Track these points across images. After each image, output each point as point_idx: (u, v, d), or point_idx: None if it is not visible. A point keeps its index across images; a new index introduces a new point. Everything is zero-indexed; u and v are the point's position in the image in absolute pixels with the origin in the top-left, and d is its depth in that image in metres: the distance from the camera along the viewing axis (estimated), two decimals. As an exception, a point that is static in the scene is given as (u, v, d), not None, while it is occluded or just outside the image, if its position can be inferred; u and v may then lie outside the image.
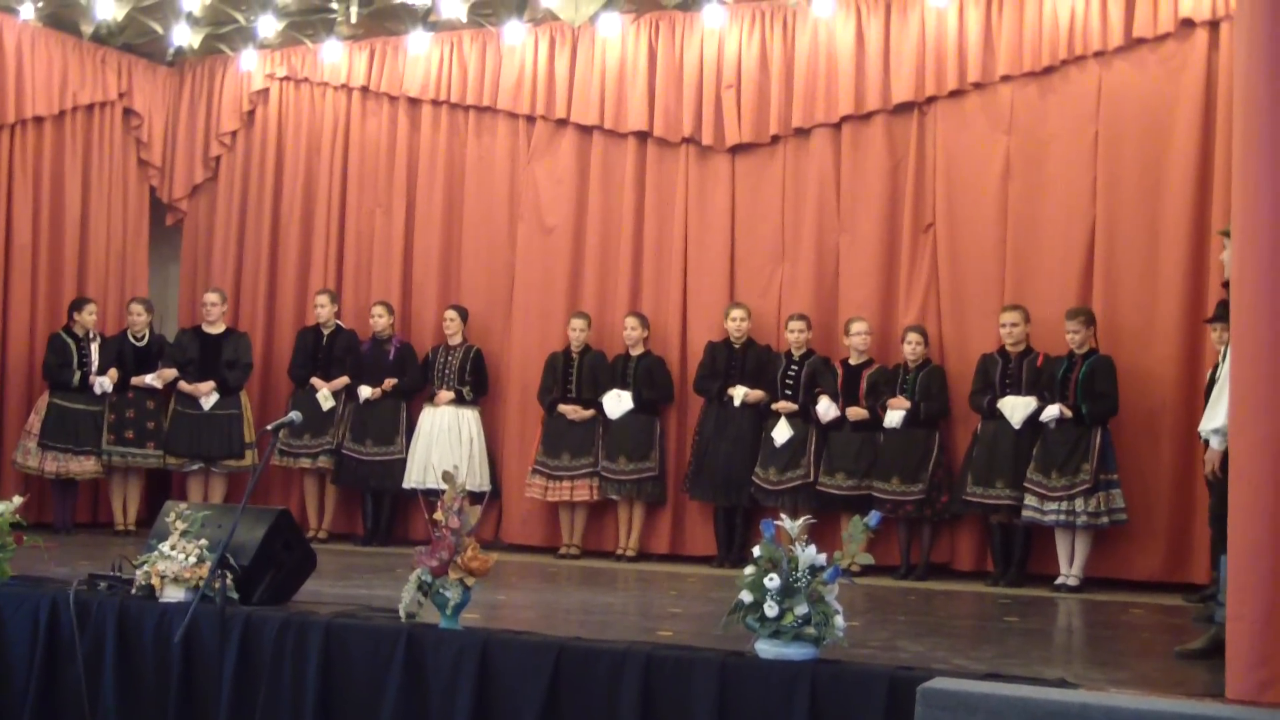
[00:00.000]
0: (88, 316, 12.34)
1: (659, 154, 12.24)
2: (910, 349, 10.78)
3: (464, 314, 12.45)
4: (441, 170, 13.06)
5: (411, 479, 12.08)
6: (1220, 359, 8.02)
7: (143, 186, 13.95)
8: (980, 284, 11.02)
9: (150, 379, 12.37)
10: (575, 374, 11.86)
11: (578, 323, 11.93)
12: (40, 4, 12.50)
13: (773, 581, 5.31)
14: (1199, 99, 10.39)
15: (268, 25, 12.79)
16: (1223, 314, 7.09)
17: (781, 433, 11.04)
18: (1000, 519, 10.33)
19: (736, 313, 11.45)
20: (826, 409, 10.92)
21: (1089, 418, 9.95)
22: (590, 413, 11.75)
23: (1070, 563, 10.03)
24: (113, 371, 12.23)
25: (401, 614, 6.19)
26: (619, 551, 11.66)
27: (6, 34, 12.52)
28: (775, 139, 11.82)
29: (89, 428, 12.17)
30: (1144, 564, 10.23)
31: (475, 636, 6.04)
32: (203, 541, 6.79)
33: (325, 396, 12.39)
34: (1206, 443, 7.07)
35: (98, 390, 12.19)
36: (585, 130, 12.50)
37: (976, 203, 11.09)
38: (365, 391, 12.31)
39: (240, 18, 13.03)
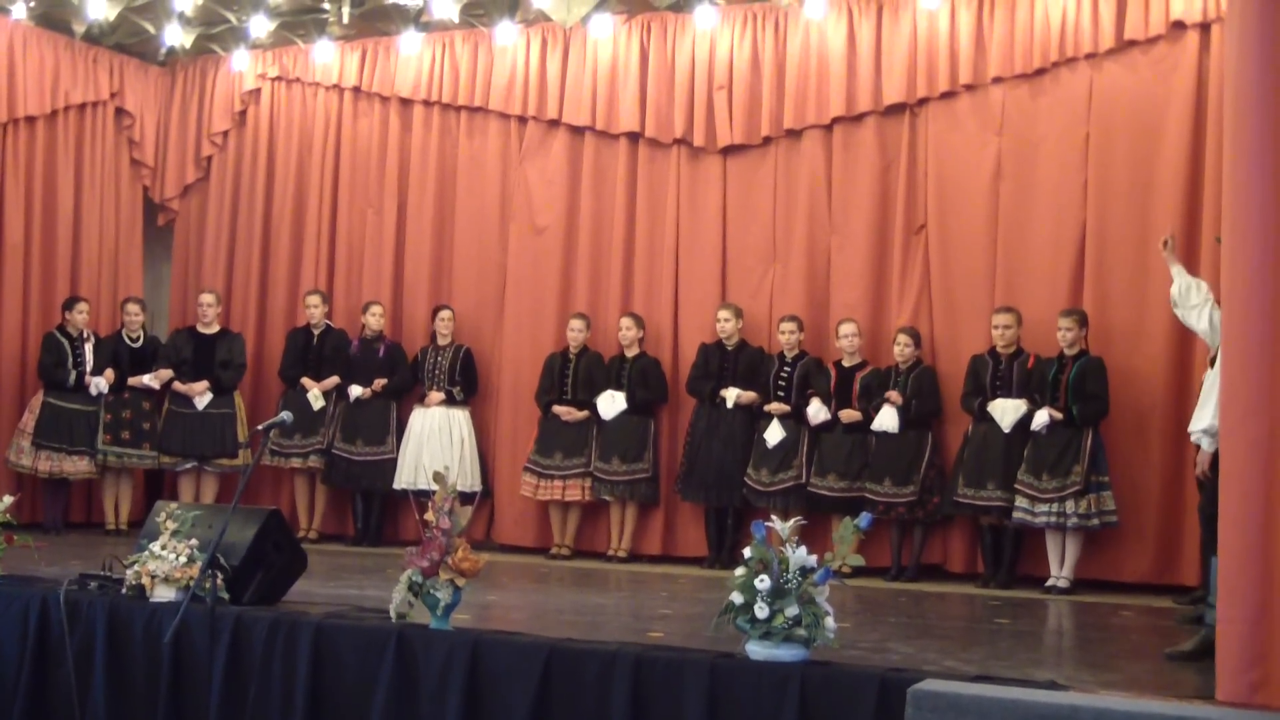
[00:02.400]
0: (79, 316, 12.32)
1: (651, 155, 12.24)
2: (899, 350, 10.80)
3: (452, 314, 12.46)
4: (433, 170, 13.05)
5: (402, 480, 12.07)
6: (1211, 358, 8.05)
7: (135, 186, 13.94)
8: (971, 285, 11.03)
9: (147, 379, 12.37)
10: (572, 375, 11.86)
11: (577, 324, 11.92)
12: (32, 3, 12.49)
13: (763, 583, 5.31)
14: (1190, 101, 10.40)
15: (259, 25, 12.79)
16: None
17: (774, 434, 11.04)
18: (991, 521, 10.34)
19: (722, 313, 11.45)
20: (817, 411, 10.92)
21: (1079, 419, 9.96)
22: (584, 414, 11.75)
23: (1061, 564, 10.03)
24: (109, 372, 12.23)
25: (392, 614, 6.19)
26: (611, 552, 11.66)
27: (-2, 33, 12.52)
28: (767, 140, 11.82)
29: (83, 427, 12.15)
30: (1134, 565, 10.24)
31: (466, 637, 6.04)
32: (193, 541, 6.79)
33: (316, 396, 12.38)
34: (1199, 444, 7.09)
35: (93, 391, 12.18)
36: (577, 131, 12.49)
37: (967, 204, 11.10)
38: (356, 391, 12.30)
39: (232, 18, 13.02)
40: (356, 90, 13.40)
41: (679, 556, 11.66)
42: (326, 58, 13.30)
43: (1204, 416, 6.62)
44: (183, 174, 14.00)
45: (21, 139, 12.84)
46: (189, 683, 6.47)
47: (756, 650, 5.41)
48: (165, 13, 12.68)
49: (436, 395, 12.20)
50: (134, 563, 6.87)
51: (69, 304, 12.44)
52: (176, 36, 12.90)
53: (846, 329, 11.01)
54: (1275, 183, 5.20)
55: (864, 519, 5.54)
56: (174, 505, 7.19)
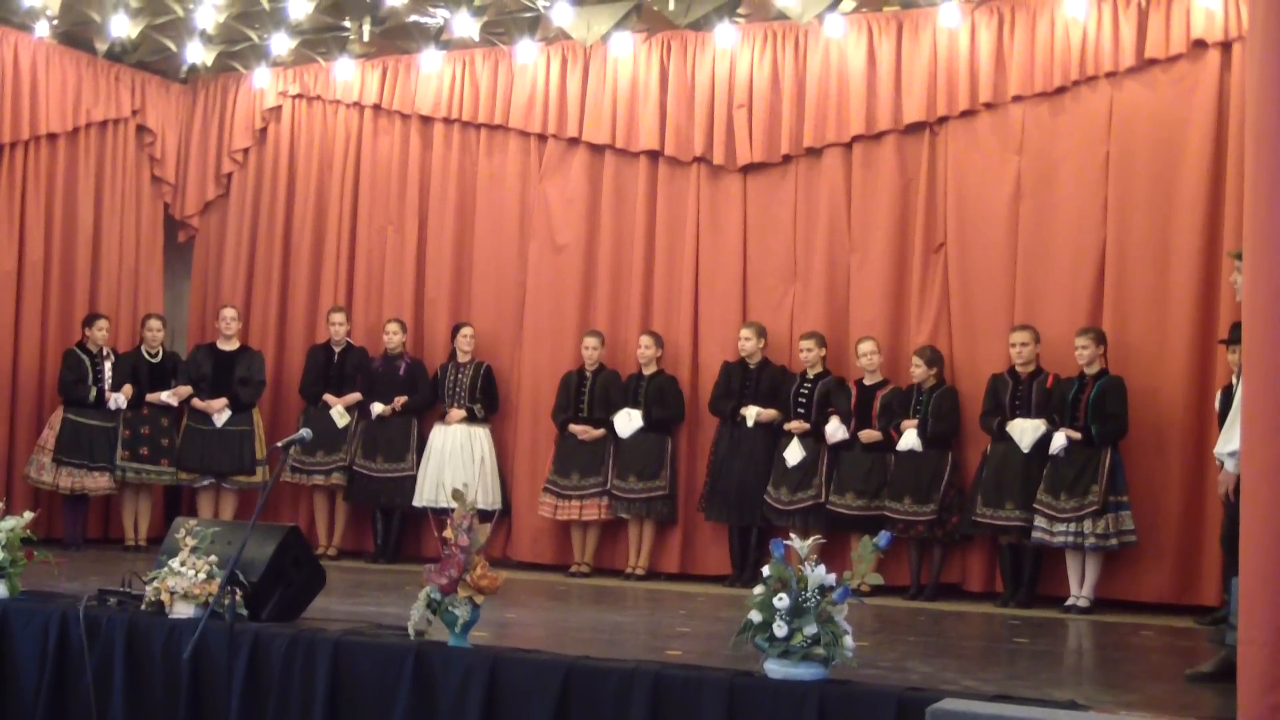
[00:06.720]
0: (99, 332, 12.36)
1: (670, 173, 12.24)
2: (915, 371, 10.78)
3: (473, 331, 12.48)
4: (453, 188, 13.08)
5: (424, 497, 12.08)
6: (1235, 379, 8.01)
7: (156, 203, 13.98)
8: (991, 304, 11.01)
9: (165, 396, 12.40)
10: (588, 393, 11.87)
11: (591, 341, 11.94)
12: (55, 22, 12.54)
13: (782, 601, 5.30)
14: (1210, 120, 10.38)
15: (280, 43, 12.84)
16: (1239, 335, 7.07)
17: (794, 453, 11.02)
18: (1010, 540, 10.31)
19: (744, 332, 11.44)
20: (834, 430, 10.91)
21: (1098, 439, 9.94)
22: (600, 432, 11.75)
23: (1080, 584, 10.00)
24: (128, 388, 12.26)
25: (410, 632, 6.19)
26: (628, 570, 11.65)
27: (21, 51, 12.56)
28: (787, 158, 11.82)
29: (103, 444, 12.17)
30: (1154, 585, 10.20)
31: (484, 655, 6.04)
32: (212, 558, 6.80)
33: (340, 413, 12.40)
34: (1222, 464, 7.05)
35: (112, 407, 12.20)
36: (597, 149, 12.51)
37: (987, 223, 11.09)
38: (377, 408, 12.32)
39: (253, 35, 13.08)
40: (377, 108, 13.43)
41: (697, 575, 11.64)
42: (347, 75, 13.35)
43: (1232, 438, 6.55)
44: (203, 191, 14.04)
45: (43, 156, 12.90)
46: (208, 699, 6.48)
47: (775, 669, 5.40)
48: (187, 30, 12.73)
49: (458, 413, 12.20)
50: (153, 579, 6.88)
51: (89, 320, 12.47)
52: (198, 54, 12.98)
53: (866, 347, 11.00)
54: (1296, 201, 5.18)
55: (883, 538, 5.52)
56: (193, 522, 7.20)
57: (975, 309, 11.09)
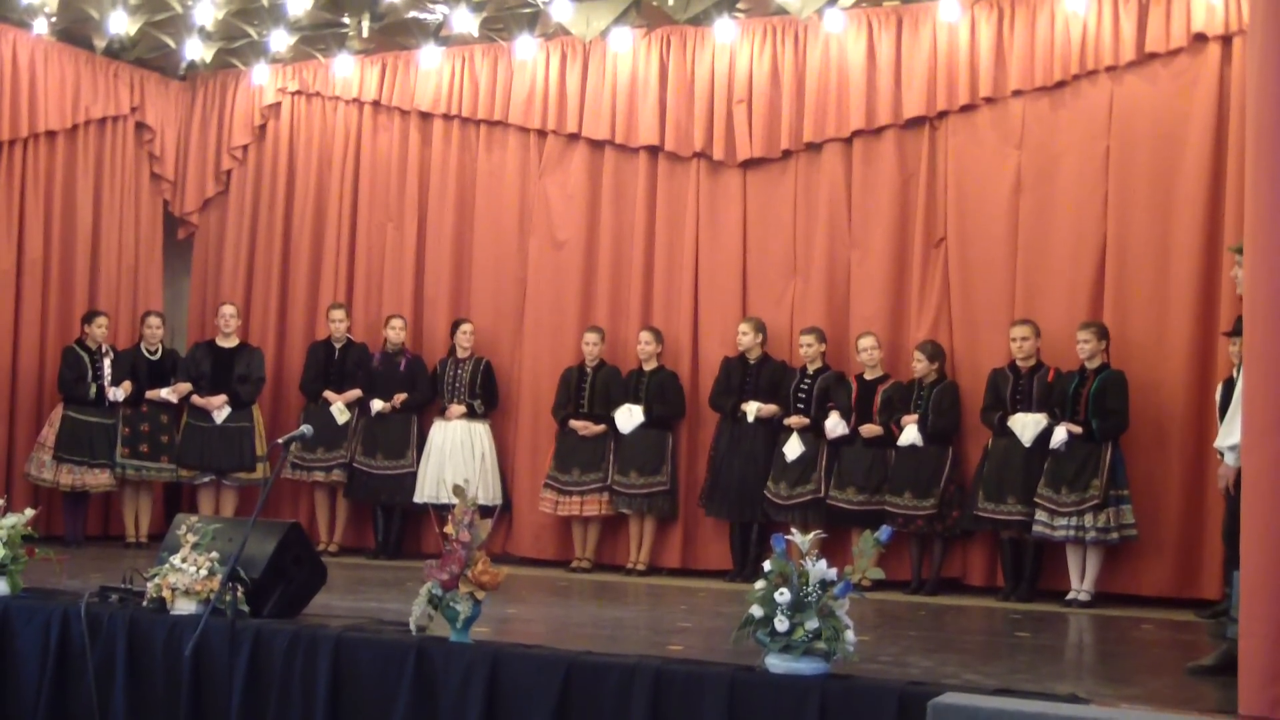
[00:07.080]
0: (98, 330, 12.35)
1: (670, 169, 12.24)
2: (916, 366, 10.78)
3: (473, 327, 12.48)
4: (453, 184, 13.07)
5: (424, 493, 12.08)
6: (1235, 372, 8.01)
7: (156, 200, 13.97)
8: (991, 298, 11.01)
9: (165, 393, 12.39)
10: (588, 389, 11.86)
11: (591, 337, 11.93)
12: (53, 19, 12.54)
13: (783, 596, 5.30)
14: (1211, 113, 10.38)
15: (279, 40, 12.83)
16: (1241, 327, 7.08)
17: (793, 448, 11.02)
18: (1011, 534, 10.31)
19: (742, 327, 11.45)
20: (834, 425, 10.91)
21: (1099, 434, 9.93)
22: (601, 428, 11.74)
23: (1081, 578, 10.00)
24: (127, 384, 12.25)
25: (412, 627, 6.19)
26: (630, 565, 11.65)
27: (20, 49, 12.55)
28: (786, 154, 11.81)
29: (103, 440, 12.17)
30: (1154, 579, 10.20)
31: (485, 650, 6.04)
32: (214, 554, 6.80)
33: (340, 410, 12.40)
34: (1221, 457, 7.05)
35: (111, 399, 12.18)
36: (596, 145, 12.50)
37: (988, 217, 11.08)
38: (377, 405, 12.31)
39: (252, 32, 13.07)
40: (376, 104, 13.42)
41: (698, 570, 11.64)
42: (346, 72, 13.34)
43: (1233, 432, 6.55)
44: (203, 188, 14.03)
45: (42, 153, 12.89)
46: (209, 695, 6.48)
47: (776, 663, 5.39)
48: (186, 27, 12.73)
49: (458, 408, 12.20)
50: (154, 575, 6.88)
51: (88, 318, 12.46)
52: (197, 51, 12.97)
53: (866, 342, 11.00)
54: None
55: (884, 532, 5.52)
56: (194, 518, 7.20)
57: (975, 303, 11.08)
